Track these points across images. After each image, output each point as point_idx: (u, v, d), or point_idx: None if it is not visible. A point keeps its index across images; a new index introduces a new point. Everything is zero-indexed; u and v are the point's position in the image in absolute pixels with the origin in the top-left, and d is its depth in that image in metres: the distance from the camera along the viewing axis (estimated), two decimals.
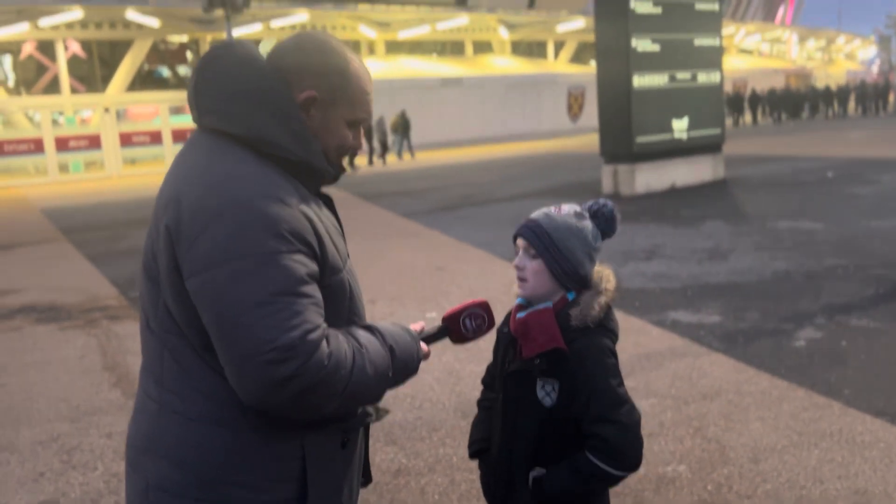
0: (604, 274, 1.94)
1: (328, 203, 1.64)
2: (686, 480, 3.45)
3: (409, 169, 22.04)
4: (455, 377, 4.90)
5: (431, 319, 6.06)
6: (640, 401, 4.35)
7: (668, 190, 13.35)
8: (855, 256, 7.54)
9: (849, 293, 6.32)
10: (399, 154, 25.88)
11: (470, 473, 3.61)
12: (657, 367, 4.92)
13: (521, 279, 1.91)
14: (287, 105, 1.49)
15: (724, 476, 3.47)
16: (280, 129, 1.47)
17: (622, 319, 1.97)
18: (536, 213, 1.94)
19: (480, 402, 2.15)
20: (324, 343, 1.37)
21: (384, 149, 24.74)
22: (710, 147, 14.29)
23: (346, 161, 1.65)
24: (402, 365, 1.56)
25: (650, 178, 13.25)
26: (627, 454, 1.82)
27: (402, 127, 25.68)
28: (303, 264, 1.39)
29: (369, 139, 24.02)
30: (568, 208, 1.94)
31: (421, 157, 26.00)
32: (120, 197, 18.74)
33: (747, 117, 36.14)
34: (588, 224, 1.92)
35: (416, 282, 7.75)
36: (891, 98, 39.09)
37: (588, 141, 24.14)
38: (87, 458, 4.10)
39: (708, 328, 5.64)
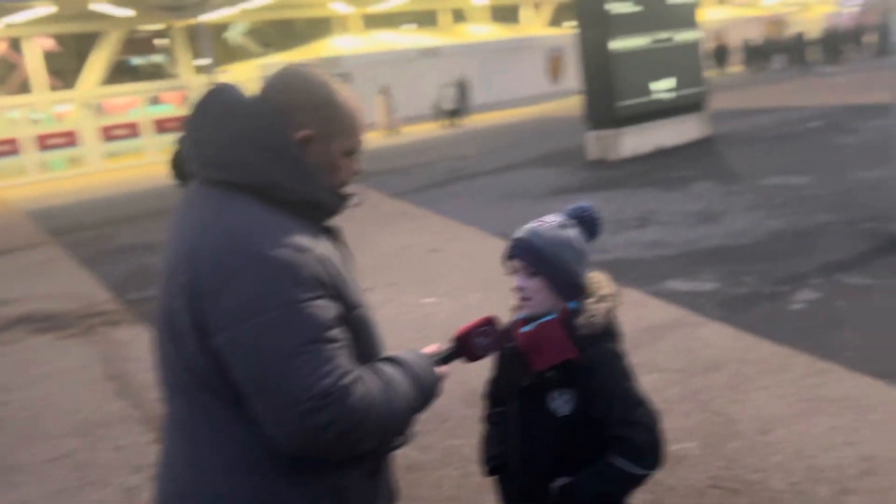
0: (599, 279, 1.98)
1: (336, 235, 1.64)
2: (697, 458, 3.49)
3: (391, 145, 21.91)
4: (459, 366, 4.90)
5: (429, 305, 6.06)
6: (643, 376, 4.32)
7: (654, 152, 13.32)
8: (845, 211, 7.57)
9: (843, 250, 6.35)
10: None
11: None
12: (658, 339, 4.95)
13: (525, 299, 1.94)
14: (289, 146, 1.47)
15: (735, 450, 3.51)
16: (287, 171, 1.46)
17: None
18: (523, 232, 1.98)
19: (489, 418, 2.17)
20: (356, 386, 1.39)
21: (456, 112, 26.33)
22: (693, 106, 14.25)
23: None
24: (427, 392, 1.60)
25: (636, 141, 13.22)
26: (650, 453, 1.89)
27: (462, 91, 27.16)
28: (327, 308, 1.40)
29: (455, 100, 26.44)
30: (551, 219, 1.98)
31: (402, 131, 25.87)
32: (104, 193, 18.59)
33: (734, 67, 36.43)
34: (573, 232, 1.97)
35: (411, 265, 7.74)
36: (864, 41, 38.78)
37: (570, 104, 24.04)
38: (100, 472, 4.11)
39: (706, 296, 5.67)
